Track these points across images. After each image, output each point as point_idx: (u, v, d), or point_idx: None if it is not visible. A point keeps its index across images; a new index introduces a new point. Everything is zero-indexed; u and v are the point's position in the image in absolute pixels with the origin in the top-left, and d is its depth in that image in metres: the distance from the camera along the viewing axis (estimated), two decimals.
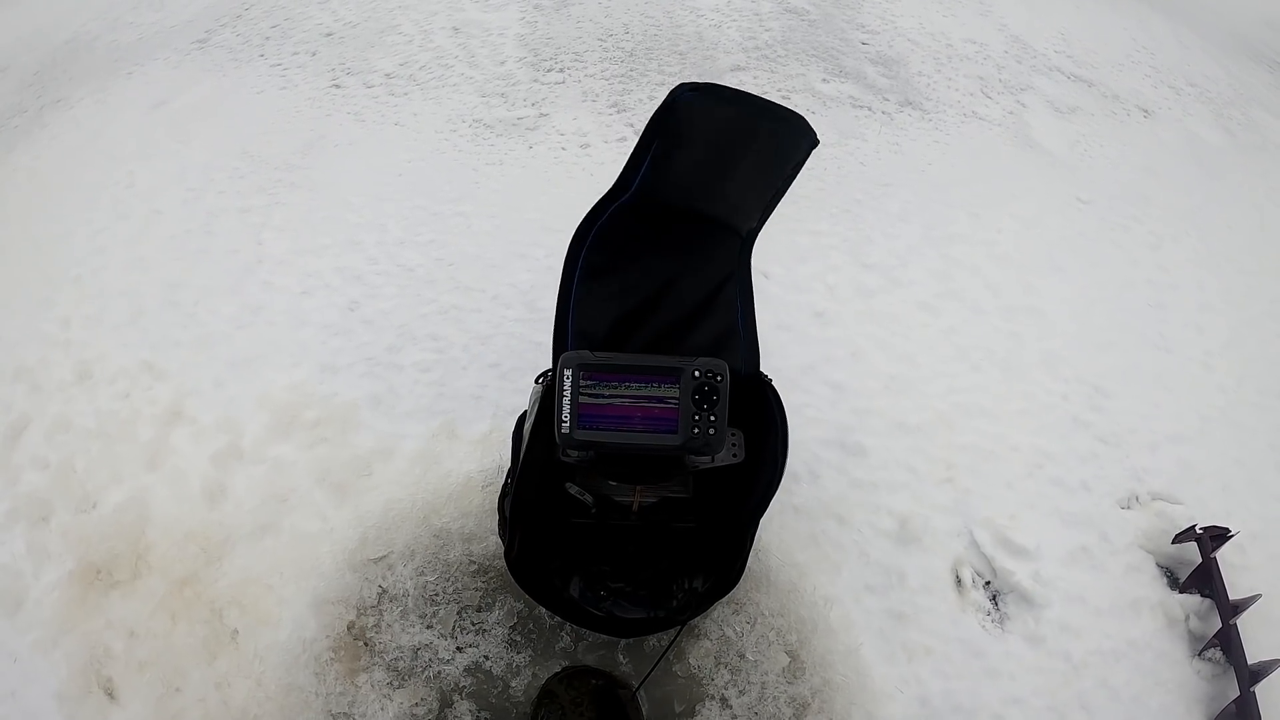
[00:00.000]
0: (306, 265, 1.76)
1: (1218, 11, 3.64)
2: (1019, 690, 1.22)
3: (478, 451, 1.42)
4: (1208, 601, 1.31)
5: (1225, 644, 1.24)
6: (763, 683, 1.19)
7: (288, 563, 1.29)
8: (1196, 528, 1.36)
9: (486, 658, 1.20)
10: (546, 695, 1.13)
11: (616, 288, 1.02)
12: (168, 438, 1.46)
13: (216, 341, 1.61)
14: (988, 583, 1.34)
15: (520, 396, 1.45)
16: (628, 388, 0.90)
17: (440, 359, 1.57)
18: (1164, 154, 2.40)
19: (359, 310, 1.66)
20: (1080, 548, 1.37)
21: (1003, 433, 1.52)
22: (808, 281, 1.75)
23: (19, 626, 1.26)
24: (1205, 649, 1.26)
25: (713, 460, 0.97)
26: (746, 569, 1.11)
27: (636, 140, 0.98)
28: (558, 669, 1.18)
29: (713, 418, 0.90)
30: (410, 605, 1.25)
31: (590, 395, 0.90)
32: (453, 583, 1.27)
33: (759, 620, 1.25)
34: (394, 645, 1.21)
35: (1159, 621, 1.31)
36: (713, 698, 1.18)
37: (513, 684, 1.18)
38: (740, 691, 1.19)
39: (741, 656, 1.21)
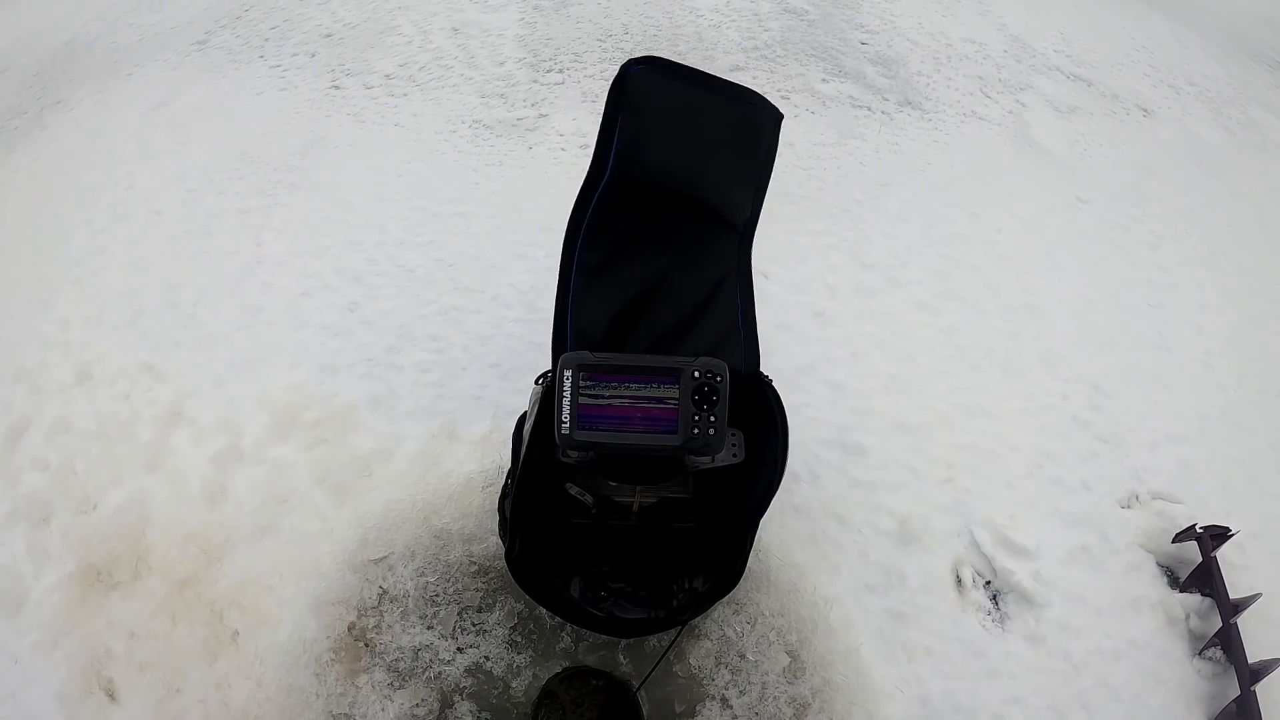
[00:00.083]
0: (306, 266, 1.76)
1: (1217, 10, 3.64)
2: (1019, 690, 1.22)
3: (478, 452, 1.42)
4: (1208, 600, 1.31)
5: (1225, 643, 1.24)
6: (763, 683, 1.19)
7: (288, 563, 1.29)
8: (1197, 527, 1.36)
9: (487, 658, 1.20)
10: (547, 696, 1.13)
11: (613, 284, 1.02)
12: (168, 439, 1.46)
13: (216, 342, 1.61)
14: (988, 582, 1.34)
15: (520, 397, 1.45)
16: (627, 388, 0.90)
17: (440, 360, 1.57)
18: (1163, 153, 2.40)
19: (359, 311, 1.66)
20: (1080, 547, 1.37)
21: (1002, 432, 1.52)
22: (807, 281, 1.75)
23: (19, 628, 1.26)
24: (1206, 648, 1.26)
25: (713, 460, 0.97)
26: (746, 569, 1.11)
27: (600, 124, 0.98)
28: (558, 669, 1.18)
29: (712, 418, 0.90)
30: (411, 606, 1.25)
31: (590, 396, 0.90)
32: (453, 583, 1.27)
33: (759, 620, 1.25)
34: (394, 646, 1.21)
35: (1159, 621, 1.31)
36: (713, 698, 1.18)
37: (513, 684, 1.18)
38: (741, 692, 1.19)
39: (742, 656, 1.21)
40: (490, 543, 1.30)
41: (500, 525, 1.23)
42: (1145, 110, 2.60)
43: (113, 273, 1.78)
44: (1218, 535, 1.33)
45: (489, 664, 1.20)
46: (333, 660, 1.20)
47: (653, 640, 1.22)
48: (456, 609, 1.25)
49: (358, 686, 1.18)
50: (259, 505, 1.36)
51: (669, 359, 0.92)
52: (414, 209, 1.90)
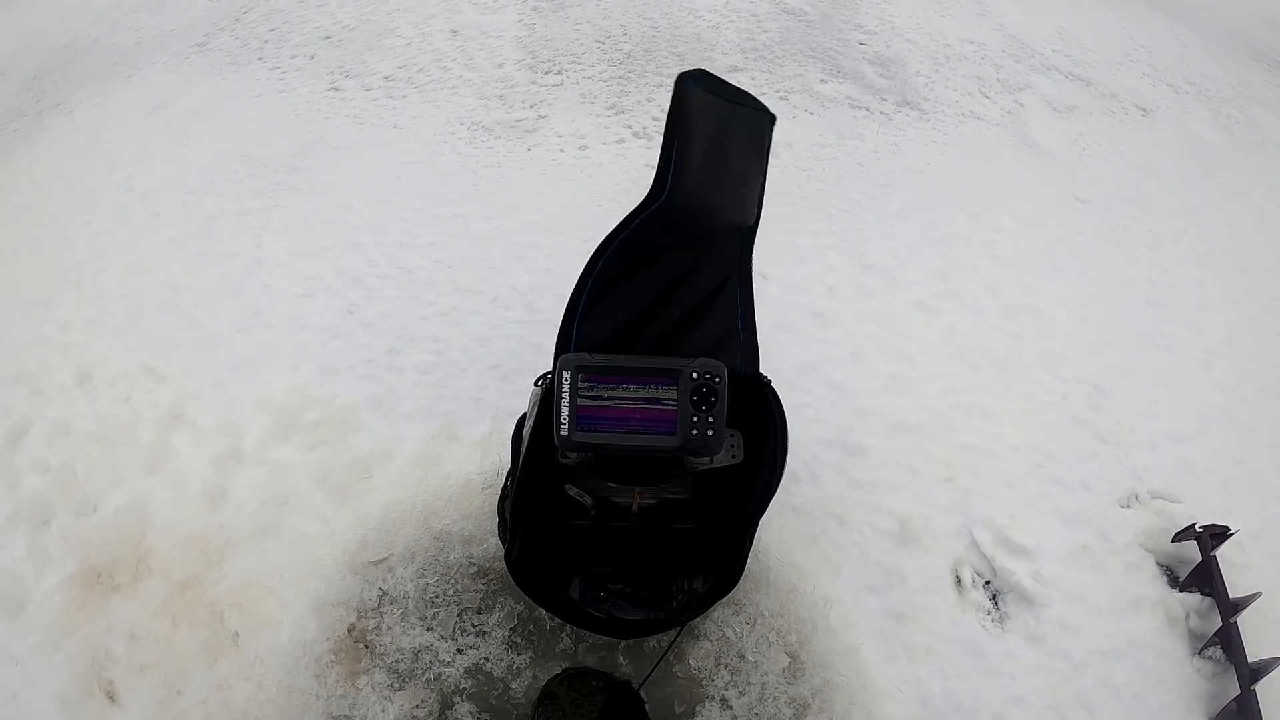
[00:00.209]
0: (306, 268, 1.76)
1: (1216, 9, 3.64)
2: (1019, 689, 1.22)
3: (477, 453, 1.42)
4: (1208, 600, 1.31)
5: (1225, 642, 1.24)
6: (763, 683, 1.19)
7: (288, 565, 1.30)
8: (1196, 526, 1.36)
9: (487, 659, 1.21)
10: (547, 696, 1.13)
11: (628, 293, 1.02)
12: (168, 440, 1.46)
13: (216, 344, 1.62)
14: (988, 582, 1.34)
15: (520, 398, 1.45)
16: (626, 389, 0.90)
17: (440, 361, 1.57)
18: (1162, 152, 2.40)
19: (358, 312, 1.67)
20: (1080, 547, 1.37)
21: (1002, 432, 1.52)
22: (806, 282, 1.75)
23: (20, 630, 1.26)
24: (1205, 647, 1.26)
25: (711, 461, 0.97)
26: (746, 569, 1.11)
27: (660, 144, 0.98)
28: (558, 670, 1.18)
29: (711, 419, 0.90)
30: (411, 607, 1.25)
31: (589, 397, 0.90)
32: (453, 585, 1.27)
33: (759, 621, 1.25)
34: (394, 647, 1.21)
35: (1159, 620, 1.31)
36: (713, 698, 1.18)
37: (513, 685, 1.19)
38: (740, 692, 1.19)
39: (741, 657, 1.21)
40: (490, 544, 1.30)
41: (500, 526, 1.23)
42: (1144, 110, 2.60)
43: (113, 275, 1.78)
44: (1217, 534, 1.33)
45: (489, 665, 1.20)
46: (333, 662, 1.20)
47: (652, 641, 1.22)
48: (456, 610, 1.25)
49: (358, 688, 1.18)
50: (259, 507, 1.37)
51: (667, 360, 0.92)
52: (413, 210, 1.90)
